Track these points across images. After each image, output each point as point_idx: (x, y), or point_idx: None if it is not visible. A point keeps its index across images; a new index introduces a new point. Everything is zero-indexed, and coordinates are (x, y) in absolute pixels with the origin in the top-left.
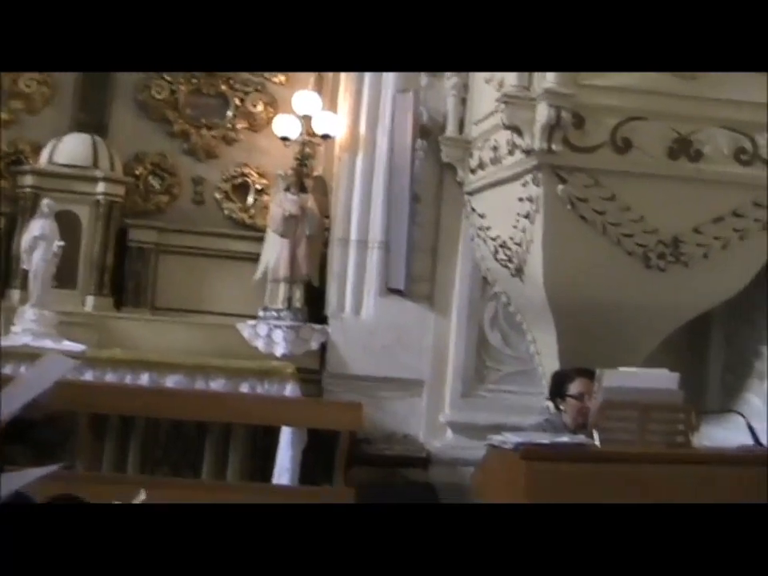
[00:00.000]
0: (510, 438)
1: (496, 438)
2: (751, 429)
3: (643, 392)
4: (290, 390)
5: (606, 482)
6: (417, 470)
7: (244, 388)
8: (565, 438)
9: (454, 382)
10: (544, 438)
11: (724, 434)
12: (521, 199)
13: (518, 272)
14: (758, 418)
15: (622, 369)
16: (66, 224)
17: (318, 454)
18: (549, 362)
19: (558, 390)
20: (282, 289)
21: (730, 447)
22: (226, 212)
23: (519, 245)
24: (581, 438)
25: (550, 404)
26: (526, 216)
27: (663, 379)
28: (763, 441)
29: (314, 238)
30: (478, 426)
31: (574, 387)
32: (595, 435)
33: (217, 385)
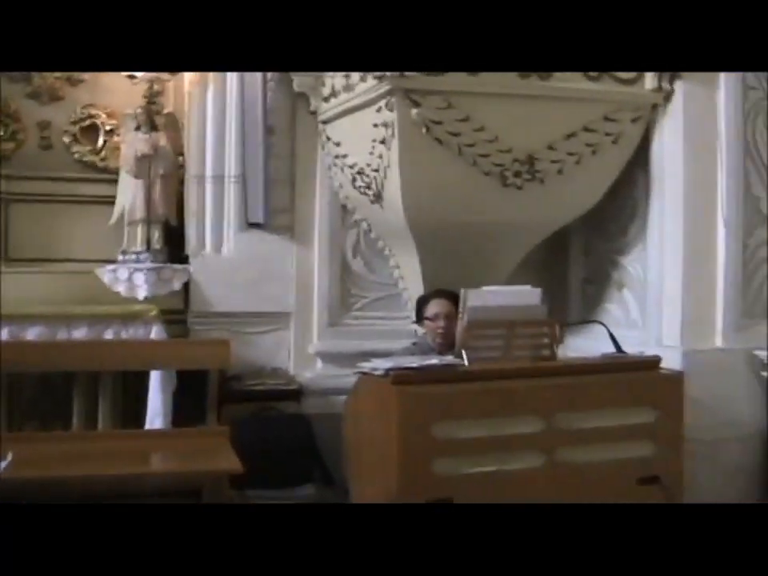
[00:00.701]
0: (380, 365)
1: (366, 365)
2: (613, 337)
3: (507, 309)
4: (155, 332)
5: (477, 400)
6: (289, 402)
7: (108, 334)
8: (434, 360)
9: (320, 311)
10: (413, 362)
11: (587, 344)
12: (376, 125)
13: (377, 198)
14: (617, 326)
15: (485, 288)
16: None
17: (189, 395)
18: (413, 286)
19: (418, 313)
20: (140, 231)
21: (594, 356)
22: (75, 155)
23: (377, 171)
24: (449, 358)
25: (418, 327)
26: (382, 142)
27: (526, 295)
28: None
29: (169, 177)
30: (347, 354)
31: (429, 309)
32: (463, 355)
33: (80, 333)
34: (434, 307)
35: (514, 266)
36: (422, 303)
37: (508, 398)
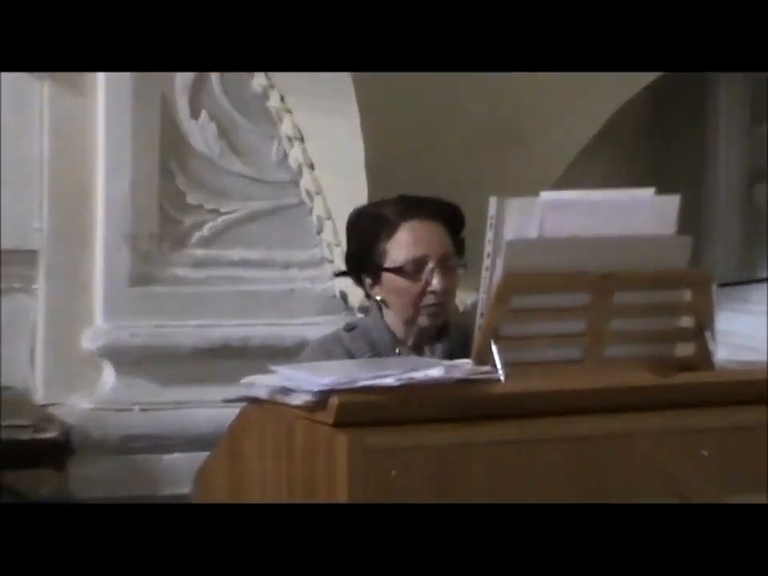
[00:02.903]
0: (301, 378)
1: (262, 380)
2: None
3: (596, 245)
4: None
5: (535, 461)
6: (39, 471)
7: None
8: (435, 372)
9: (109, 255)
10: (390, 373)
11: (743, 327)
12: None
13: None
14: None
15: (544, 193)
16: None
17: None
18: (339, 186)
19: (362, 253)
20: None
21: None
22: None
23: None
24: (466, 364)
25: (348, 286)
26: None
27: (642, 211)
28: None
29: None
30: (178, 352)
31: (397, 247)
32: (494, 354)
33: None
34: (411, 242)
35: (579, 147)
36: (376, 232)
37: (610, 457)
